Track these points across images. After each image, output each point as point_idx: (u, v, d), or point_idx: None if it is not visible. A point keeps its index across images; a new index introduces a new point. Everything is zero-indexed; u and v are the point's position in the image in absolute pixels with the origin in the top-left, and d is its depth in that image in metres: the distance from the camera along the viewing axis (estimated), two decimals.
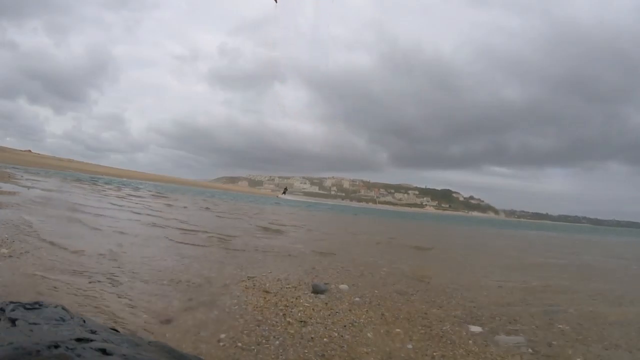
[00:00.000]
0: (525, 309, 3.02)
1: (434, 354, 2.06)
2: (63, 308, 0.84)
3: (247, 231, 7.10)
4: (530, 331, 2.49)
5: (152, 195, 17.15)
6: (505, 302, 3.19)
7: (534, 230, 25.16)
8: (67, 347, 0.60)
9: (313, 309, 2.61)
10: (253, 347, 1.94)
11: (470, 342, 2.25)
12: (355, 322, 2.44)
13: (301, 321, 2.36)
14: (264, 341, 2.02)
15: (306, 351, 1.96)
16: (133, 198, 12.76)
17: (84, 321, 0.80)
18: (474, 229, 19.59)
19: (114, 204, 9.27)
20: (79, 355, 0.59)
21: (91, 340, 0.65)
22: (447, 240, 10.79)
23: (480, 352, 2.12)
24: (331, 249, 5.51)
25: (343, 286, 3.29)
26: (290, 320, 2.36)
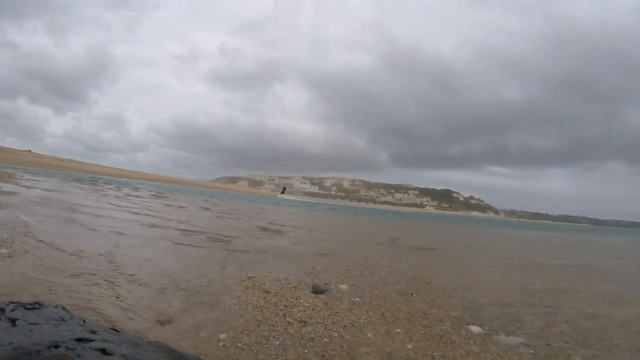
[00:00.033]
0: (525, 309, 3.02)
1: (434, 354, 2.06)
2: (63, 308, 0.84)
3: (247, 231, 7.09)
4: (530, 331, 2.49)
5: (152, 195, 17.14)
6: (505, 302, 3.19)
7: (534, 230, 25.14)
8: (67, 347, 0.60)
9: (313, 309, 2.61)
10: (253, 347, 1.94)
11: (470, 342, 2.25)
12: (355, 322, 2.44)
13: (301, 321, 2.36)
14: (264, 341, 2.02)
15: (306, 351, 1.96)
16: (132, 198, 12.75)
17: (84, 321, 0.80)
18: (474, 229, 19.59)
19: (114, 204, 9.26)
20: (79, 355, 0.59)
21: (91, 340, 0.65)
22: (447, 240, 10.78)
23: (481, 352, 2.11)
24: (331, 249, 5.51)
25: (343, 286, 3.29)
26: (290, 320, 2.35)
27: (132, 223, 6.28)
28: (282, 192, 67.40)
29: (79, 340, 0.64)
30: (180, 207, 11.92)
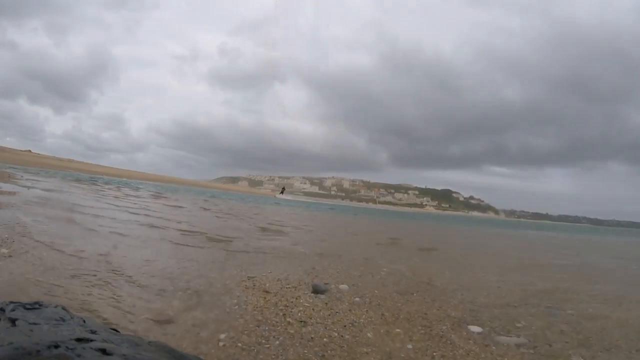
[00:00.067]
0: (525, 309, 3.02)
1: (434, 354, 2.06)
2: (63, 308, 0.84)
3: (247, 232, 7.09)
4: (530, 331, 2.49)
5: (152, 195, 17.14)
6: (505, 302, 3.19)
7: (534, 230, 25.15)
8: (67, 347, 0.60)
9: (313, 309, 2.61)
10: (253, 347, 1.94)
11: (471, 342, 2.25)
12: (355, 322, 2.44)
13: (301, 321, 2.36)
14: (264, 341, 2.02)
15: (306, 351, 1.96)
16: (132, 198, 12.75)
17: (84, 321, 0.79)
18: (474, 229, 19.59)
19: (113, 205, 9.26)
20: (79, 355, 0.59)
21: (91, 340, 0.65)
22: (447, 241, 10.78)
23: (481, 352, 2.11)
24: (331, 249, 5.51)
25: (343, 286, 3.29)
26: (290, 320, 2.35)
27: (132, 223, 6.28)
28: (282, 192, 67.42)
29: (79, 340, 0.64)
30: (180, 207, 11.92)
